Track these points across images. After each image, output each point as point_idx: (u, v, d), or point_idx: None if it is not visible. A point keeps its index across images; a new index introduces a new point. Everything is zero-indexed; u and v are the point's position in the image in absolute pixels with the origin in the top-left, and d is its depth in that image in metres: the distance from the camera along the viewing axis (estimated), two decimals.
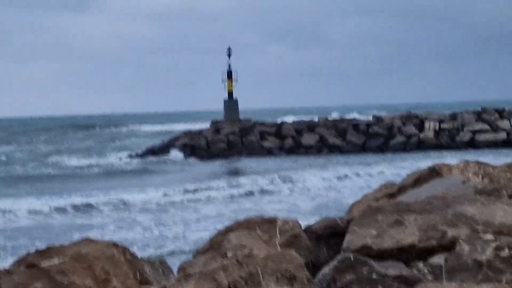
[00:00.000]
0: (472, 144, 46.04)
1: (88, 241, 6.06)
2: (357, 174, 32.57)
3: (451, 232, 6.14)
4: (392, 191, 8.76)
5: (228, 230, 7.37)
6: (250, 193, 27.27)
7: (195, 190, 27.92)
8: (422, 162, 35.30)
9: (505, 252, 5.31)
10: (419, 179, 8.63)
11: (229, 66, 54.06)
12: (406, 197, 7.86)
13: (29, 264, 5.81)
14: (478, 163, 8.53)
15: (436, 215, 6.36)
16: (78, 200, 25.39)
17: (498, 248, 5.35)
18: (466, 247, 5.46)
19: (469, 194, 7.00)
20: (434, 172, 8.57)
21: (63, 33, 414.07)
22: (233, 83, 54.04)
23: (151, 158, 46.52)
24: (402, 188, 8.66)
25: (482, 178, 8.13)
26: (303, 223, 8.08)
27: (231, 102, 54.03)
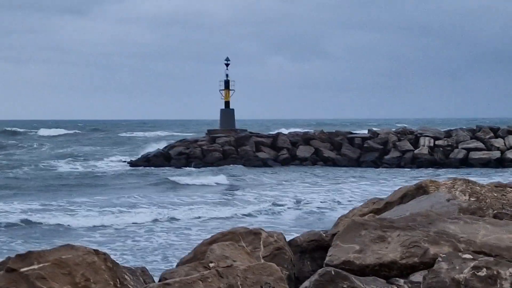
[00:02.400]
0: (466, 162, 45.80)
1: (69, 247, 6.02)
2: (349, 188, 32.51)
3: (433, 250, 6.14)
4: (379, 207, 8.76)
5: (212, 240, 7.36)
6: (236, 204, 27.11)
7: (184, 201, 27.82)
8: (414, 177, 35.32)
9: (483, 272, 5.30)
10: (405, 195, 8.64)
11: (227, 76, 54.09)
12: (391, 213, 7.86)
13: (9, 268, 5.78)
14: (466, 181, 8.52)
15: (419, 232, 6.35)
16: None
17: (476, 267, 5.35)
18: (444, 265, 5.45)
19: (453, 212, 6.99)
20: (420, 189, 8.57)
21: (61, 36, 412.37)
22: (230, 93, 54.09)
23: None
24: (388, 204, 8.66)
25: (469, 196, 8.13)
26: (288, 236, 8.08)
27: (227, 112, 54.01)
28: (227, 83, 53.88)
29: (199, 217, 23.72)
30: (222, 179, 37.24)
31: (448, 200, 7.46)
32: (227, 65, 54.07)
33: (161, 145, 55.24)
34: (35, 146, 74.74)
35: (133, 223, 22.37)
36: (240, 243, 7.09)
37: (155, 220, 22.92)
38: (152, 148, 55.38)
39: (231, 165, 45.72)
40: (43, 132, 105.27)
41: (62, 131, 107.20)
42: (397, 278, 6.10)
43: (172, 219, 23.26)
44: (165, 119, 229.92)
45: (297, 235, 8.45)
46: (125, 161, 51.29)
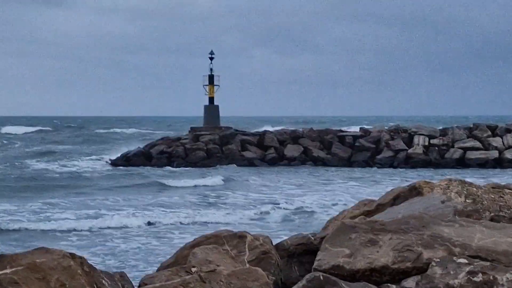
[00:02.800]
0: (462, 162, 44.95)
1: (43, 250, 5.79)
2: (339, 189, 32.31)
3: (426, 254, 5.95)
4: (370, 209, 8.55)
5: (194, 244, 7.13)
6: (221, 207, 26.79)
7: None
8: (407, 178, 35.14)
9: (478, 277, 5.14)
10: (398, 197, 8.43)
11: (211, 70, 53.07)
12: (383, 215, 7.66)
13: None
14: (462, 182, 8.31)
15: (412, 236, 6.16)
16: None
17: (471, 273, 5.20)
18: (438, 270, 5.28)
19: (448, 214, 6.80)
20: (414, 190, 8.37)
21: (34, 28, 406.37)
22: (214, 89, 53.21)
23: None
24: (380, 206, 8.45)
25: (465, 198, 7.92)
26: (275, 240, 7.83)
27: (211, 108, 53.01)
28: (211, 78, 52.85)
29: (182, 220, 23.36)
30: (206, 180, 36.76)
31: (442, 202, 7.27)
32: (211, 59, 53.20)
33: (142, 143, 54.62)
34: (5, 142, 73.84)
35: (112, 226, 21.95)
36: (224, 246, 6.87)
37: (136, 223, 22.50)
38: (132, 146, 54.66)
39: (217, 165, 45.23)
40: (8, 129, 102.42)
41: (29, 129, 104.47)
42: (388, 284, 5.95)
43: (154, 222, 22.86)
44: (145, 116, 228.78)
45: (285, 238, 8.23)
46: (103, 160, 50.51)
